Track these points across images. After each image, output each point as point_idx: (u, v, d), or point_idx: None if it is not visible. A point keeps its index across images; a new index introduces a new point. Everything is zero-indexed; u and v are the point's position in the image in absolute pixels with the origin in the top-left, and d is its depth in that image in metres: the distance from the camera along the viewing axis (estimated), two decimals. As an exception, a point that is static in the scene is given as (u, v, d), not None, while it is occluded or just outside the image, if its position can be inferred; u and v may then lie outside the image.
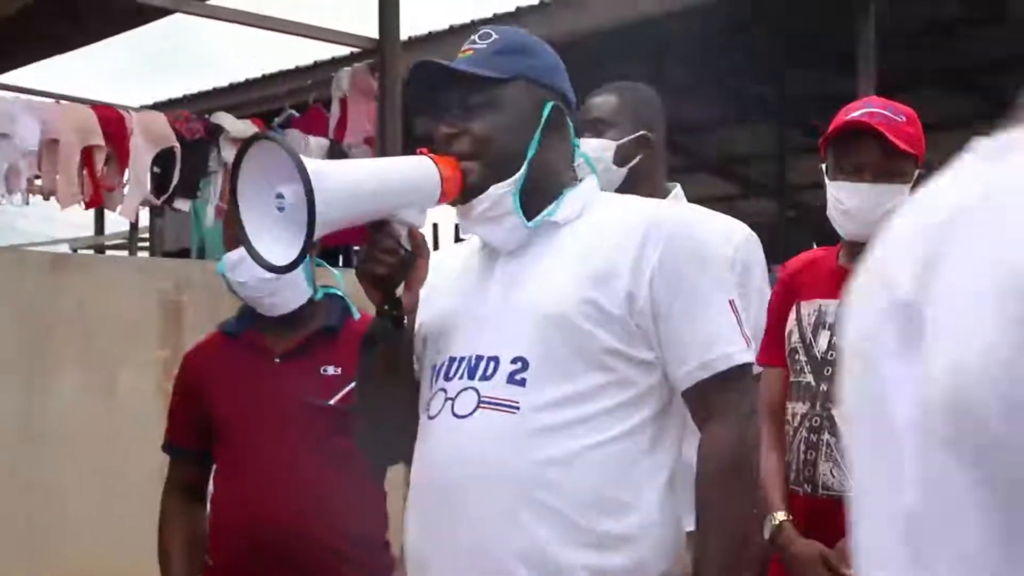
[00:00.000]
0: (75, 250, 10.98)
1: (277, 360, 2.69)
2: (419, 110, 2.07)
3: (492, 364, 1.92)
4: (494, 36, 2.01)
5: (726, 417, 1.89)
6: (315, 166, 1.76)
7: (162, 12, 6.61)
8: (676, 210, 2.07)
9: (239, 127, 5.57)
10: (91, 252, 10.52)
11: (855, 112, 2.64)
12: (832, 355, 2.62)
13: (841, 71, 7.28)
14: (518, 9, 8.24)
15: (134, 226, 7.20)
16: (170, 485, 2.82)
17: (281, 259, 1.79)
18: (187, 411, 2.78)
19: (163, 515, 2.80)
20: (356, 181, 1.85)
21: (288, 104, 6.44)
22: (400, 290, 1.95)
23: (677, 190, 2.96)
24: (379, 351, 2.02)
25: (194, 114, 5.67)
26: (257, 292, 2.66)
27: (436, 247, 6.41)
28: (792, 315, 2.73)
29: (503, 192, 1.95)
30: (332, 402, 2.60)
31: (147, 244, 8.89)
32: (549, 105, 1.98)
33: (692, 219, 2.04)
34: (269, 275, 2.55)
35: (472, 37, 2.04)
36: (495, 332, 1.95)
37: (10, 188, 4.91)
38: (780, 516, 2.65)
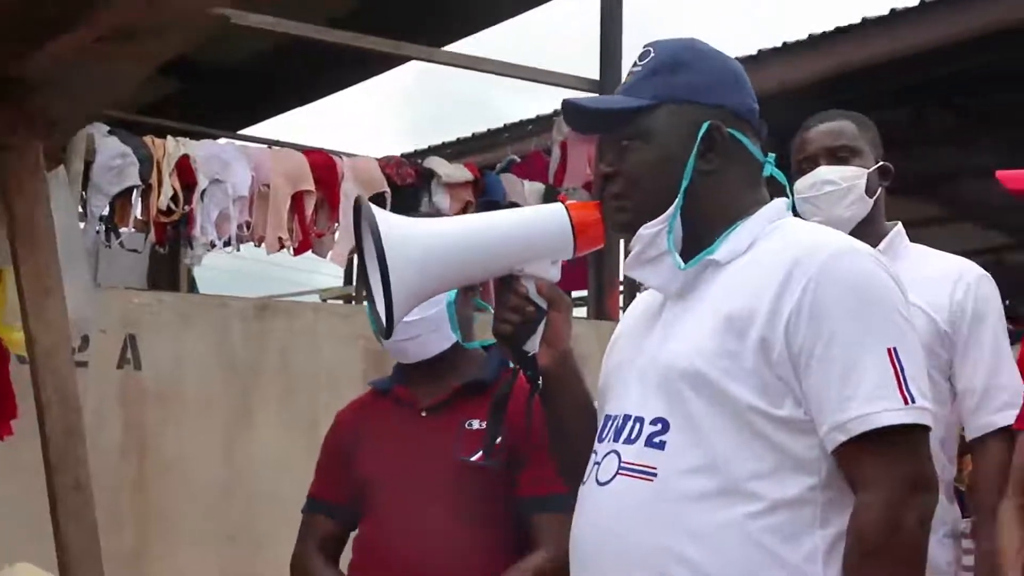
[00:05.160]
0: (324, 300, 11.20)
1: (423, 414, 2.55)
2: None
3: (637, 425, 1.73)
4: (651, 54, 1.81)
5: (872, 489, 1.60)
6: (395, 232, 1.66)
7: (400, 60, 6.66)
8: (838, 240, 1.74)
9: (452, 172, 5.46)
10: (339, 302, 10.71)
11: None
12: None
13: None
14: (760, 52, 7.84)
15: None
16: (305, 542, 2.64)
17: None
18: (332, 468, 2.67)
19: (307, 571, 2.62)
20: (452, 244, 1.74)
21: (510, 151, 6.32)
22: (536, 347, 1.82)
23: (898, 228, 2.72)
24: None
25: (406, 158, 5.61)
26: (397, 336, 2.46)
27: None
28: None
29: (654, 231, 1.74)
30: (474, 458, 2.38)
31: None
32: (704, 126, 1.74)
33: (857, 249, 1.71)
34: (411, 318, 2.43)
35: (637, 57, 1.85)
36: (641, 389, 1.76)
37: (220, 234, 4.92)
38: None
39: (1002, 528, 2.40)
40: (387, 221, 1.67)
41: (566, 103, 1.83)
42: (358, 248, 1.79)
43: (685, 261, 1.75)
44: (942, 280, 2.57)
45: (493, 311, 1.84)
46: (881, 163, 2.67)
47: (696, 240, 1.76)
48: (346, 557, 2.64)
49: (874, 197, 2.64)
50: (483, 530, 2.41)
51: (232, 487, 4.56)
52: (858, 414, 1.59)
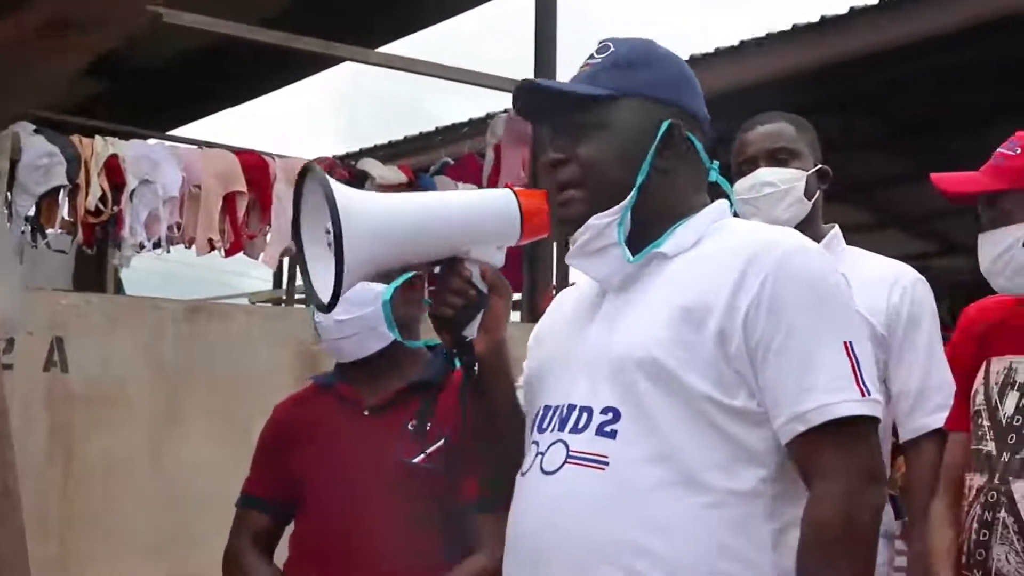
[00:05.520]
0: (254, 303, 11.08)
1: (366, 413, 2.53)
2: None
3: (584, 415, 1.73)
4: (611, 49, 1.82)
5: (830, 479, 1.63)
6: (349, 201, 1.63)
7: (333, 61, 6.61)
8: (791, 237, 1.78)
9: (386, 173, 5.44)
10: (269, 305, 10.60)
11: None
12: (1018, 420, 2.30)
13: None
14: (692, 57, 7.89)
15: (292, 278, 7.18)
16: (238, 537, 2.62)
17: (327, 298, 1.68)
18: (269, 463, 2.64)
19: (239, 566, 2.59)
20: (399, 219, 1.72)
21: (444, 153, 6.32)
22: (474, 333, 1.80)
23: (835, 230, 2.75)
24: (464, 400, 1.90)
25: (339, 160, 5.58)
26: (332, 334, 2.49)
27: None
28: (981, 373, 2.39)
29: (606, 222, 1.75)
30: (416, 460, 2.36)
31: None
32: (665, 124, 1.76)
33: (808, 247, 1.76)
34: (344, 317, 2.40)
35: (592, 50, 1.85)
36: (589, 379, 1.75)
37: (150, 235, 4.86)
38: None
39: (933, 528, 2.43)
40: (341, 190, 1.63)
41: (525, 83, 1.83)
42: (296, 220, 1.74)
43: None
44: (878, 283, 2.60)
45: (433, 295, 1.82)
46: (820, 166, 2.70)
47: (641, 235, 1.77)
48: (282, 554, 2.61)
49: (812, 199, 2.67)
50: (425, 531, 2.39)
51: (161, 491, 4.48)
52: (818, 404, 1.63)
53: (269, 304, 10.69)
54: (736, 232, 1.79)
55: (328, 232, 1.65)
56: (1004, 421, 2.31)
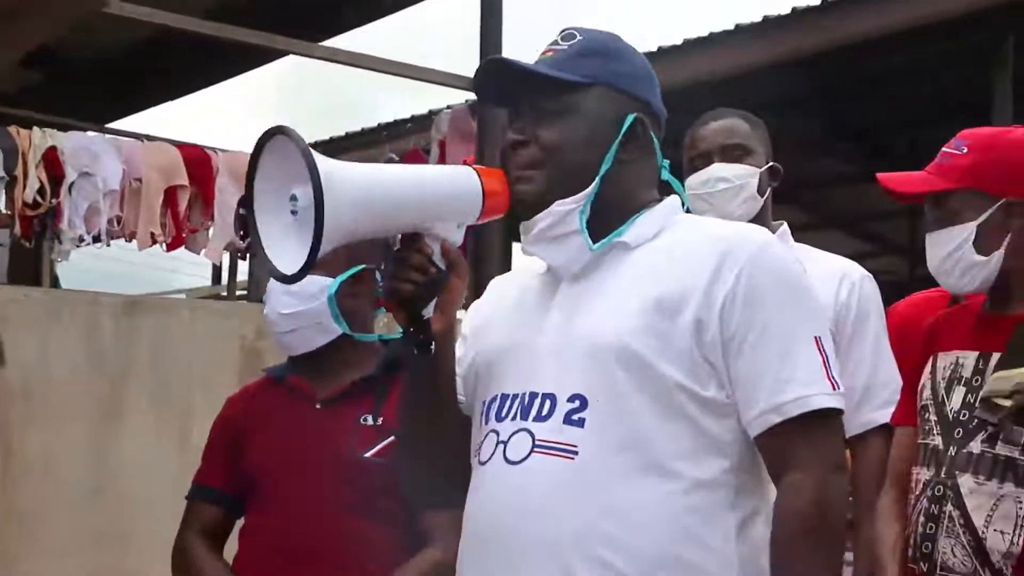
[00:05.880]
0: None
1: (318, 406, 2.50)
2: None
3: (548, 403, 1.71)
4: (577, 37, 1.80)
5: (803, 471, 1.65)
6: (329, 166, 1.57)
7: (277, 54, 6.57)
8: (762, 232, 1.79)
9: (330, 168, 5.39)
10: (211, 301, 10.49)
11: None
12: (965, 415, 2.30)
13: (976, 124, 6.78)
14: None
15: (232, 274, 7.11)
16: (188, 529, 2.57)
17: (292, 268, 1.61)
18: (220, 455, 2.59)
19: (188, 559, 2.54)
20: (376, 187, 1.66)
21: (389, 149, 6.28)
22: (431, 312, 1.75)
23: (784, 227, 2.76)
24: (408, 381, 1.85)
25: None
26: (278, 327, 2.49)
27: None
28: (927, 368, 2.42)
29: (569, 209, 1.73)
30: (369, 454, 2.35)
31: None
32: (631, 117, 1.76)
33: (775, 242, 1.77)
34: (288, 310, 2.38)
35: (555, 37, 1.83)
36: (551, 366, 1.73)
37: (89, 228, 4.79)
38: None
39: (880, 522, 2.45)
40: (317, 154, 1.58)
41: (493, 60, 1.80)
42: (249, 187, 1.67)
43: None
44: (827, 279, 2.62)
45: (385, 273, 1.78)
46: (771, 163, 2.71)
47: (596, 225, 1.75)
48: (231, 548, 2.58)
49: (764, 196, 2.69)
50: (377, 526, 2.37)
51: (100, 487, 4.44)
52: (795, 396, 1.64)
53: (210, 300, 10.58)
54: (700, 226, 1.80)
55: (294, 199, 1.60)
56: (951, 416, 2.34)
